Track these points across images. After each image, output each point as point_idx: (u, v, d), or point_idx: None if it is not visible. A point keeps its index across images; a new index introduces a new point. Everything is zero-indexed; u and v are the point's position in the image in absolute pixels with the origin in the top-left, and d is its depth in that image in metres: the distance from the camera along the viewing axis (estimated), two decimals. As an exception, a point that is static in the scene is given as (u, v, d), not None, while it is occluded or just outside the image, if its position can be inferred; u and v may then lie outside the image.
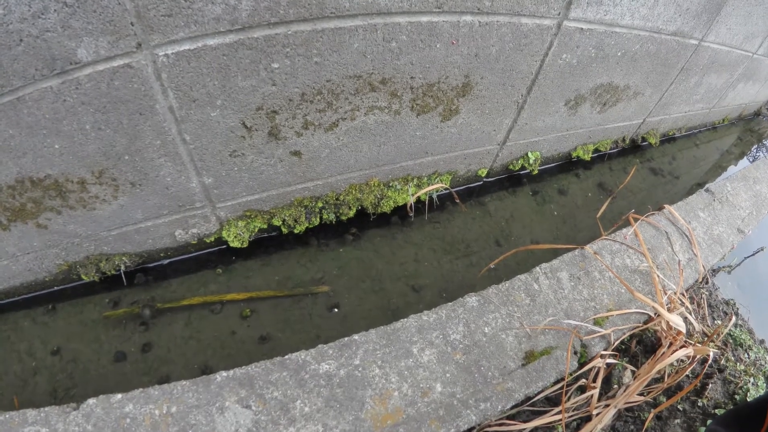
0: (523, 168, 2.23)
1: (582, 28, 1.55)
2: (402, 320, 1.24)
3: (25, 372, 1.27)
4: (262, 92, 1.15)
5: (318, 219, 1.69)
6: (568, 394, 1.34)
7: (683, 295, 1.60)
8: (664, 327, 1.43)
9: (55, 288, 1.44)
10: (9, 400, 1.20)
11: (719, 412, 1.48)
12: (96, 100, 0.96)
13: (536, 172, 2.31)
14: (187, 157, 1.21)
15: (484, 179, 2.20)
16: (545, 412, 1.30)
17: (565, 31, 1.51)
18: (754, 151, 3.57)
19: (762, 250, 2.39)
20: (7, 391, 1.22)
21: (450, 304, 1.31)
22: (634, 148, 2.91)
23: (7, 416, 0.90)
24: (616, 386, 1.44)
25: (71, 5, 0.80)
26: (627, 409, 1.45)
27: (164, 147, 1.15)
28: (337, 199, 1.68)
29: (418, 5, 1.15)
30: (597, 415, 1.31)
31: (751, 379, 1.60)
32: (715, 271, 2.16)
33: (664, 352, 1.38)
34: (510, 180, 2.30)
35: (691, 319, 1.50)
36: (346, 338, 1.16)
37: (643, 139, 2.86)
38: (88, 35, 0.85)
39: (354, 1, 1.06)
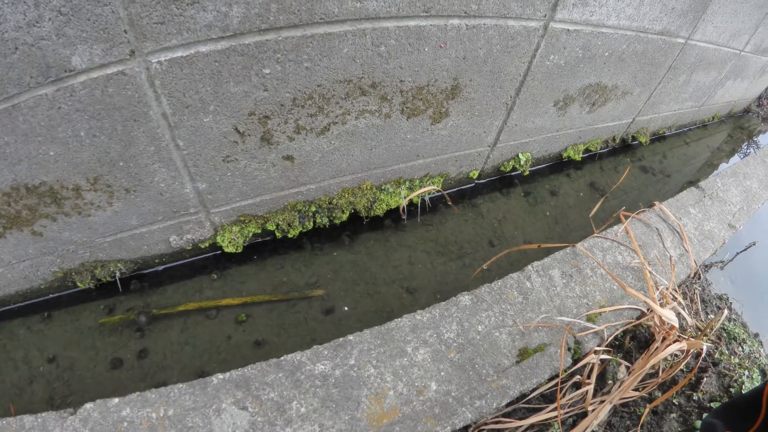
0: (514, 169, 2.26)
1: (568, 29, 1.58)
2: (396, 320, 1.25)
3: (21, 380, 1.27)
4: (254, 98, 1.17)
5: (311, 223, 1.71)
6: (563, 391, 1.35)
7: (675, 290, 1.62)
8: (657, 322, 1.45)
9: (51, 295, 1.45)
10: (5, 408, 1.20)
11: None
12: (90, 107, 0.98)
13: (527, 173, 2.33)
14: (181, 162, 1.22)
15: (476, 181, 2.22)
16: (541, 409, 1.31)
17: (551, 33, 1.54)
18: (745, 147, 3.61)
19: (754, 245, 2.41)
20: (3, 400, 1.22)
21: (443, 303, 1.32)
22: (624, 147, 2.95)
23: (3, 422, 0.91)
24: (610, 382, 1.45)
25: (66, 14, 0.81)
26: (622, 405, 1.46)
27: (158, 153, 1.16)
28: (330, 203, 1.69)
29: (405, 10, 1.18)
30: (593, 411, 1.32)
31: (746, 372, 1.61)
32: (707, 267, 2.18)
33: (657, 347, 1.40)
34: (501, 181, 2.32)
35: (684, 314, 1.52)
36: (341, 339, 1.17)
37: (634, 138, 2.89)
38: (83, 43, 0.87)
39: (343, 6, 1.09)
